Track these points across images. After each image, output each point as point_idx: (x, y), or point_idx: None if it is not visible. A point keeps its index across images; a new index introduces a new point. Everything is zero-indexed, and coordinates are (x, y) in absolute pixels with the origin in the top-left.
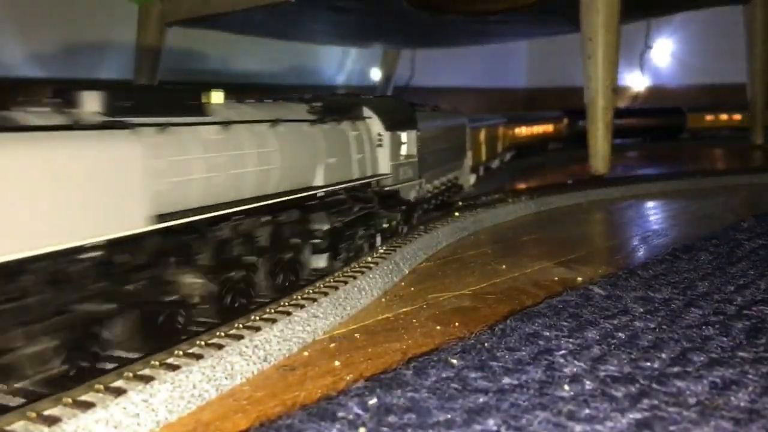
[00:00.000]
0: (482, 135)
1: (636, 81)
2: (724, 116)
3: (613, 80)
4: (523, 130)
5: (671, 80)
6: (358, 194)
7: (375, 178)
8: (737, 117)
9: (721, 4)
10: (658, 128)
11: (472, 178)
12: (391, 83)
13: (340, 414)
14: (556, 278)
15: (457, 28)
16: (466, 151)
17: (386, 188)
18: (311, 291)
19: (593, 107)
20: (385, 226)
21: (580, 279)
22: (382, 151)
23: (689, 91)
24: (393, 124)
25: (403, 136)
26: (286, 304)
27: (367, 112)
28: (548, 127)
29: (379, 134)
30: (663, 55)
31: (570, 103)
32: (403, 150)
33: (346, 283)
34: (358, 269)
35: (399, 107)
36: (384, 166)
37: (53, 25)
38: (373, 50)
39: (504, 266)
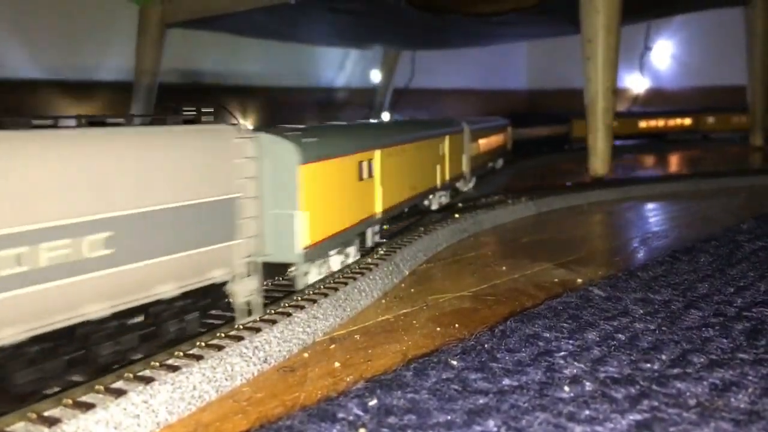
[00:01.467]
0: (373, 164)
1: (636, 82)
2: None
3: (613, 81)
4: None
5: (671, 82)
6: None
7: None
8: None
9: (722, 5)
10: (543, 139)
11: (312, 275)
12: (391, 85)
13: (340, 415)
14: (556, 280)
15: (457, 30)
16: (233, 221)
17: None
18: (311, 292)
19: (593, 108)
20: None
21: (580, 280)
22: None
23: (689, 92)
24: None
25: None
26: (287, 305)
27: None
28: (498, 139)
29: None
30: (663, 57)
31: (570, 105)
32: None
33: (346, 284)
34: (358, 270)
35: None
36: None
37: (53, 26)
38: (373, 51)
39: (504, 268)
